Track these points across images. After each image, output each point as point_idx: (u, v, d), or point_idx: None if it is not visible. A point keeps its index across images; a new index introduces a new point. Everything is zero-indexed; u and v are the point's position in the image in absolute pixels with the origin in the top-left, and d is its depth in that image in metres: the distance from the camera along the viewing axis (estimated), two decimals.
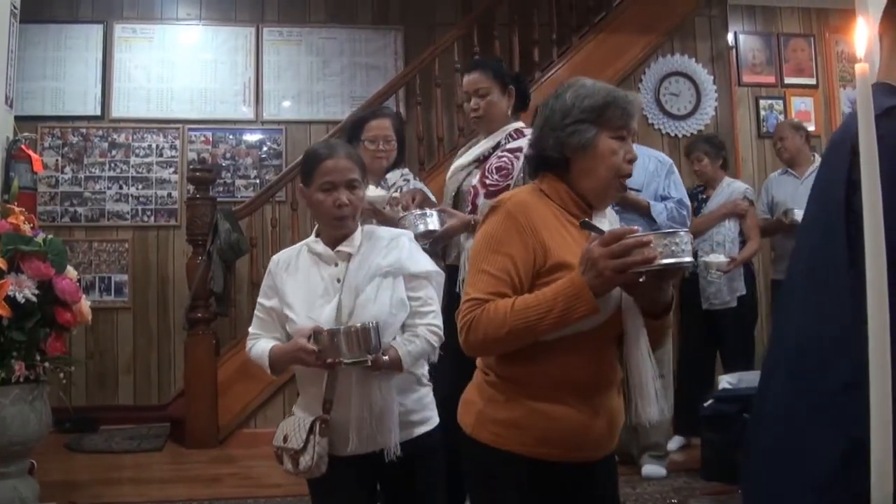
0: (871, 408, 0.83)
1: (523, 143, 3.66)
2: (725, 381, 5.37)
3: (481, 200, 3.63)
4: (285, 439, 2.62)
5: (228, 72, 7.65)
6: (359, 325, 2.50)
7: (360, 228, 2.76)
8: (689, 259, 1.87)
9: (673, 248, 1.84)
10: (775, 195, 6.24)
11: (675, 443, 5.63)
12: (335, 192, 2.65)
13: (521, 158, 3.62)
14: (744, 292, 5.85)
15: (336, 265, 2.69)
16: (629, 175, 2.18)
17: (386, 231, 2.85)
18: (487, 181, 3.66)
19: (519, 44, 6.88)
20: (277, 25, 7.75)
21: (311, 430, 2.58)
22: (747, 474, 1.62)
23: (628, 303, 2.06)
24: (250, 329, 2.78)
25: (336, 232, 2.70)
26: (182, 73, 7.58)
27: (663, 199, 4.99)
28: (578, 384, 2.08)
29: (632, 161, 2.17)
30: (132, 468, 5.50)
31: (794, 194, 6.05)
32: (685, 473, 5.08)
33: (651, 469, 5.01)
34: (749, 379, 5.32)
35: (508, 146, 3.74)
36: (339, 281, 2.65)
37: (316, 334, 2.51)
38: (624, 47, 7.00)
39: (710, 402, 5.04)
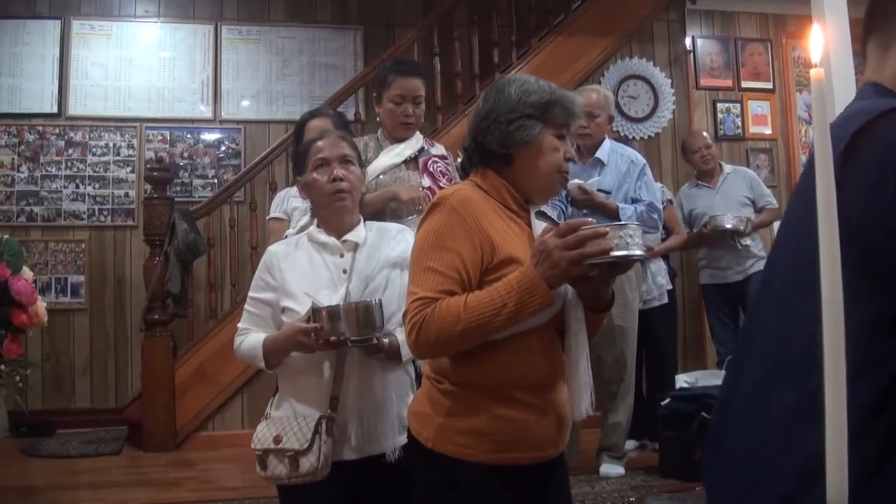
0: (826, 414, 0.85)
1: (442, 150, 3.93)
2: (682, 381, 5.45)
3: None
4: (277, 440, 2.47)
5: (187, 70, 7.57)
6: (360, 301, 2.46)
7: (362, 221, 2.74)
8: (640, 252, 1.88)
9: (627, 240, 1.85)
10: (693, 208, 6.39)
11: (629, 444, 5.69)
12: (329, 167, 2.64)
13: (451, 165, 3.83)
14: (671, 287, 5.98)
15: (342, 256, 2.64)
16: (568, 172, 2.19)
17: (391, 224, 2.86)
18: (441, 184, 3.69)
19: (479, 45, 6.88)
20: (236, 24, 7.69)
21: (316, 430, 2.44)
22: (715, 475, 1.62)
23: (571, 296, 2.06)
24: (239, 325, 2.70)
25: (337, 214, 2.66)
26: (140, 70, 7.48)
27: (634, 201, 4.96)
28: (534, 382, 2.06)
29: (570, 159, 2.17)
30: (89, 473, 5.43)
31: (712, 204, 6.22)
32: (643, 472, 5.12)
33: (609, 468, 5.02)
34: (706, 378, 5.42)
35: (434, 152, 3.87)
36: (345, 272, 2.60)
37: (315, 312, 2.43)
38: (583, 50, 7.05)
39: (667, 400, 5.11)
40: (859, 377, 1.28)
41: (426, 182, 3.73)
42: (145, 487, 5.11)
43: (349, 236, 2.65)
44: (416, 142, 3.82)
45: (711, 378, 5.36)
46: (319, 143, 2.70)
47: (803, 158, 7.94)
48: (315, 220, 2.80)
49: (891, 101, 1.43)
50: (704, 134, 6.62)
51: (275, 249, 2.73)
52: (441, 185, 3.68)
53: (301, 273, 2.62)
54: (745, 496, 1.47)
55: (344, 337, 2.40)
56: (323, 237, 2.67)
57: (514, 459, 2.07)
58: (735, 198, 6.25)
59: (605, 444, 5.12)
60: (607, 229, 1.86)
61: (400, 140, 3.81)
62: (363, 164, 2.87)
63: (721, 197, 6.27)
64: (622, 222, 1.98)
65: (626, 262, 1.94)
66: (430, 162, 3.80)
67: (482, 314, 1.91)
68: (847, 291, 1.32)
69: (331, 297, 2.53)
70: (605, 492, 4.70)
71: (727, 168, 6.45)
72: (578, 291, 2.06)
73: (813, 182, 1.46)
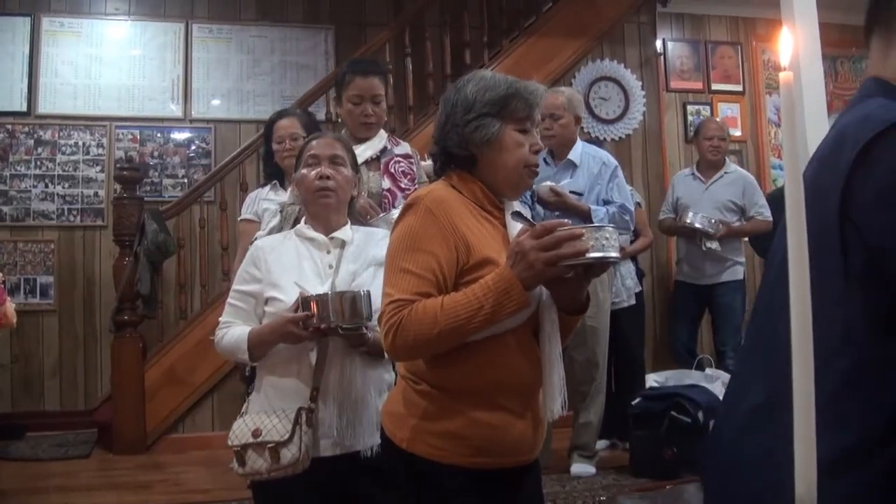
0: (795, 414, 0.86)
1: (407, 149, 3.90)
2: (653, 380, 5.49)
3: (400, 203, 3.55)
4: (256, 434, 2.47)
5: (157, 69, 7.49)
6: (348, 290, 2.48)
7: (349, 223, 2.78)
8: (616, 254, 1.89)
9: (603, 241, 1.85)
10: (680, 196, 6.38)
11: (600, 443, 5.72)
12: (318, 166, 2.68)
13: (416, 164, 3.81)
14: (640, 289, 6.02)
15: (328, 252, 2.68)
16: (536, 165, 2.17)
17: (378, 228, 2.90)
18: (402, 185, 3.69)
19: (450, 45, 6.90)
20: (207, 22, 7.62)
21: (296, 421, 2.46)
22: (720, 479, 1.61)
23: (545, 298, 2.07)
24: (221, 318, 2.70)
25: (322, 211, 2.70)
26: (110, 69, 7.39)
27: (606, 203, 4.99)
28: (512, 386, 2.05)
29: (538, 151, 2.16)
30: (59, 476, 5.39)
31: (698, 198, 6.21)
32: (614, 471, 5.15)
33: (580, 468, 5.05)
34: (676, 378, 5.46)
35: (398, 152, 3.83)
36: (331, 267, 2.64)
37: (304, 301, 2.45)
38: (554, 51, 7.07)
39: (637, 400, 5.15)
40: (870, 381, 1.33)
41: (386, 184, 3.70)
42: (115, 490, 5.09)
43: (337, 234, 2.71)
44: (378, 142, 3.80)
45: (681, 378, 5.40)
46: (313, 143, 2.76)
47: (773, 160, 8.01)
48: (303, 217, 2.82)
49: None
50: (722, 124, 6.63)
51: (261, 243, 2.77)
52: (402, 185, 3.68)
53: (287, 265, 2.65)
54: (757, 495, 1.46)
55: (334, 325, 2.42)
56: (311, 233, 2.71)
57: (489, 464, 2.06)
58: (721, 199, 6.23)
59: (576, 443, 5.15)
60: (583, 231, 1.86)
61: (363, 140, 3.78)
62: (357, 168, 2.88)
63: (708, 194, 6.26)
64: (598, 224, 1.96)
65: (603, 264, 1.94)
66: (391, 162, 3.77)
67: (459, 316, 1.90)
68: (849, 293, 1.35)
69: (317, 290, 2.55)
70: (576, 491, 4.73)
71: (730, 167, 6.41)
72: (554, 294, 2.06)
73: (817, 190, 1.46)
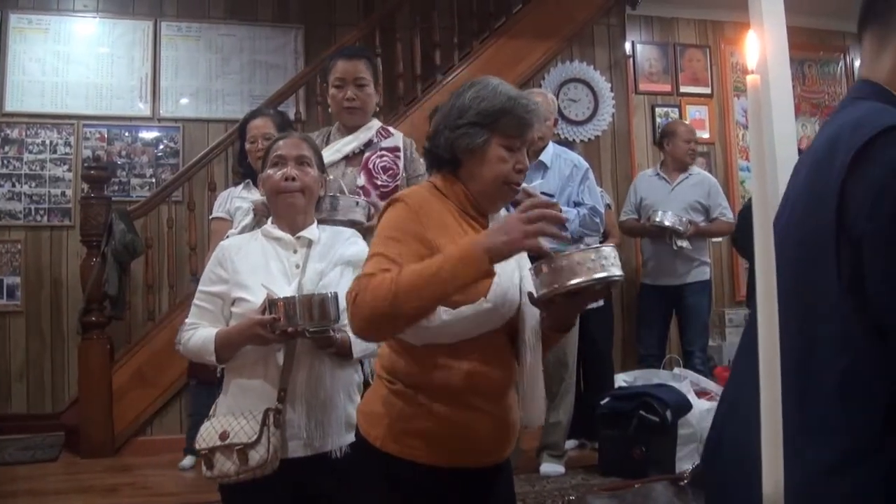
0: (762, 417, 0.87)
1: (397, 142, 3.71)
2: (621, 380, 5.52)
3: (374, 201, 3.51)
4: (223, 436, 2.46)
5: (125, 67, 7.42)
6: (316, 293, 2.47)
7: (316, 222, 2.78)
8: (619, 272, 1.90)
9: (602, 262, 1.88)
10: (644, 196, 6.40)
11: (569, 443, 5.74)
12: (284, 166, 2.68)
13: (402, 159, 3.65)
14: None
15: (295, 251, 2.67)
16: (518, 184, 2.15)
17: (345, 228, 2.89)
18: (378, 182, 3.58)
19: (420, 46, 6.89)
20: (176, 20, 7.56)
21: (264, 422, 2.45)
22: (723, 477, 1.62)
23: (528, 309, 2.08)
24: (187, 320, 2.68)
25: (287, 211, 2.70)
26: (78, 66, 7.31)
27: (576, 205, 5.01)
28: (485, 387, 2.06)
29: (522, 171, 2.14)
30: (27, 480, 5.34)
31: (665, 199, 6.24)
32: (583, 470, 5.17)
33: (549, 467, 5.07)
34: (644, 377, 5.49)
35: (384, 145, 3.69)
36: (298, 266, 2.63)
37: (271, 303, 2.43)
38: (524, 53, 7.10)
39: (606, 400, 5.18)
40: (866, 382, 1.34)
41: (361, 181, 3.61)
42: (83, 494, 5.05)
43: (303, 233, 2.70)
44: (365, 134, 3.70)
45: (650, 377, 5.44)
46: (280, 143, 2.75)
47: (741, 162, 8.07)
48: (270, 217, 2.81)
49: (895, 114, 1.41)
50: (690, 127, 6.70)
51: (227, 243, 2.75)
52: (377, 182, 3.59)
53: (254, 265, 2.63)
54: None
55: (301, 328, 2.41)
56: (277, 232, 2.70)
57: (462, 463, 2.08)
58: (687, 200, 6.26)
59: (545, 442, 5.17)
60: (556, 202, 1.88)
61: (351, 129, 3.71)
62: (323, 168, 2.88)
63: (674, 195, 6.30)
64: (596, 246, 1.96)
65: (607, 285, 1.94)
66: (373, 157, 3.65)
67: (414, 282, 1.87)
68: (844, 297, 1.36)
69: (284, 290, 2.54)
70: (545, 490, 4.74)
71: (694, 169, 6.46)
72: (550, 317, 2.09)
73: (810, 198, 1.47)
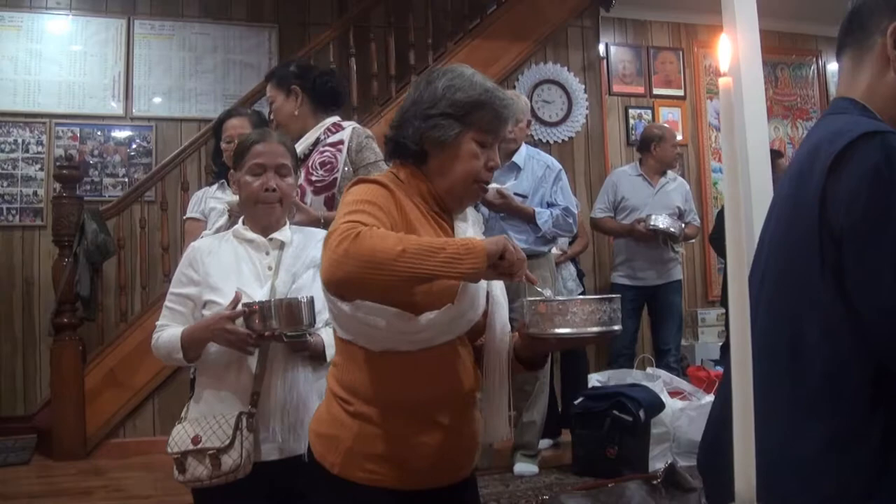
0: (734, 416, 0.88)
1: (343, 135, 3.60)
2: (595, 380, 5.54)
3: (309, 198, 3.43)
4: (196, 441, 2.42)
5: (98, 65, 7.36)
6: (291, 297, 2.43)
7: (288, 224, 2.75)
8: (619, 326, 1.86)
9: (610, 314, 1.83)
10: (626, 196, 6.34)
11: (543, 443, 5.75)
12: (264, 176, 2.65)
13: (344, 151, 3.53)
14: (581, 290, 6.07)
15: (267, 254, 2.64)
16: (488, 182, 2.05)
17: (316, 229, 2.85)
18: (313, 178, 3.48)
19: (395, 46, 6.89)
20: (149, 18, 7.51)
21: (237, 426, 2.41)
22: (722, 476, 1.65)
23: (497, 314, 2.01)
24: (158, 322, 2.64)
25: (263, 219, 2.67)
26: (50, 64, 7.24)
27: (550, 205, 5.04)
28: (449, 400, 1.96)
29: (493, 169, 2.03)
30: None
31: (648, 201, 6.24)
32: (557, 470, 5.19)
33: (523, 467, 5.07)
34: (618, 377, 5.51)
35: (329, 141, 3.59)
36: (270, 268, 2.60)
37: (249, 313, 2.40)
38: (498, 53, 7.11)
39: (580, 399, 5.19)
40: (849, 376, 1.43)
41: (300, 180, 3.49)
42: (56, 498, 5.00)
43: (276, 235, 2.67)
44: (313, 134, 3.62)
45: (623, 377, 5.46)
46: (259, 147, 2.69)
47: (713, 164, 8.12)
48: (241, 218, 2.79)
49: (871, 123, 1.50)
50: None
51: (198, 245, 2.71)
52: (313, 178, 3.48)
53: (226, 268, 2.60)
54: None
55: (278, 332, 2.38)
56: (249, 234, 2.67)
57: (429, 484, 1.97)
58: (670, 204, 6.27)
59: (519, 442, 5.18)
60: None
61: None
62: (297, 172, 2.86)
63: (658, 198, 6.29)
64: (608, 296, 1.91)
65: (606, 336, 1.88)
66: (314, 154, 3.55)
67: (421, 247, 1.72)
68: (826, 294, 1.44)
69: (256, 293, 2.52)
70: (519, 490, 4.74)
71: (670, 174, 6.47)
72: (527, 347, 1.98)
73: (795, 200, 1.53)
